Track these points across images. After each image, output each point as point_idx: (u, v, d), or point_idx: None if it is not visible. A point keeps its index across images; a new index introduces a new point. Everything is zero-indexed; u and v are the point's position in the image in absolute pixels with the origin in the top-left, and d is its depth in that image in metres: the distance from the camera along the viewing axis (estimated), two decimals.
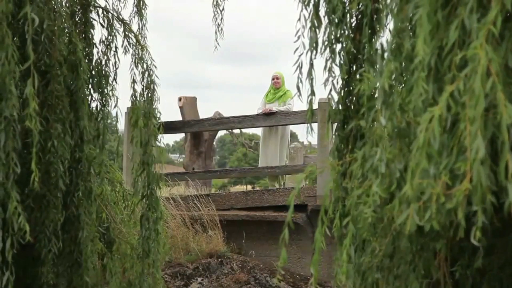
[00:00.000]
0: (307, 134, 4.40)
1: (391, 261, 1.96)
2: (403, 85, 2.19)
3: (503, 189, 1.60)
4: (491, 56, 1.36)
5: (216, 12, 5.16)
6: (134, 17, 4.69)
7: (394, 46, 1.75)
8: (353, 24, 2.32)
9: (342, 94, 2.40)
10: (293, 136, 10.06)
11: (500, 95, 1.35)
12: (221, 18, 5.16)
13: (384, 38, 2.01)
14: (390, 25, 1.88)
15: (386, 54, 1.85)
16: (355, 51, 2.32)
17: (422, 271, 1.94)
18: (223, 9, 5.15)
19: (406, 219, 1.51)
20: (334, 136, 2.47)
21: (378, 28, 2.09)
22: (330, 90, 2.36)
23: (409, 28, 1.72)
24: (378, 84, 1.78)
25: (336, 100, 2.42)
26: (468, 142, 1.38)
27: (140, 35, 4.61)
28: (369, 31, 2.03)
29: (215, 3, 5.14)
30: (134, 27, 4.62)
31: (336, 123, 2.45)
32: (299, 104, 9.02)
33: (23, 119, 3.14)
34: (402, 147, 1.71)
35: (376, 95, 1.87)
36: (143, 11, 4.68)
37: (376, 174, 1.72)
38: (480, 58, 1.36)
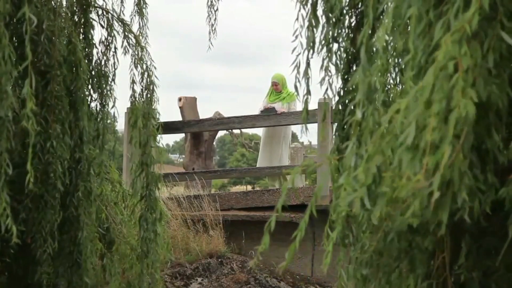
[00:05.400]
0: (301, 134, 4.42)
1: (380, 257, 1.96)
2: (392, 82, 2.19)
3: (492, 187, 1.60)
4: (462, 52, 1.36)
5: (210, 12, 5.20)
6: (134, 15, 4.70)
7: (381, 43, 1.75)
8: (353, 24, 2.32)
9: (342, 94, 2.40)
10: (293, 136, 10.08)
11: (458, 92, 1.34)
12: (215, 18, 5.21)
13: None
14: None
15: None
16: (354, 51, 2.32)
17: (409, 268, 1.93)
18: (217, 9, 5.20)
19: (380, 213, 1.50)
20: (334, 136, 2.47)
21: (377, 27, 2.09)
22: (326, 89, 2.37)
23: (405, 26, 1.72)
24: (358, 78, 1.78)
25: (336, 100, 2.42)
26: (428, 136, 1.36)
27: (140, 35, 4.62)
28: (369, 31, 2.03)
29: (209, 3, 5.19)
30: (135, 26, 4.64)
31: (336, 123, 2.45)
32: (298, 104, 9.02)
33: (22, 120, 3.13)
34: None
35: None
36: (143, 10, 4.69)
37: (350, 168, 1.71)
38: (441, 51, 1.35)
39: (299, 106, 8.18)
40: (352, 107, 1.85)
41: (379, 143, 1.44)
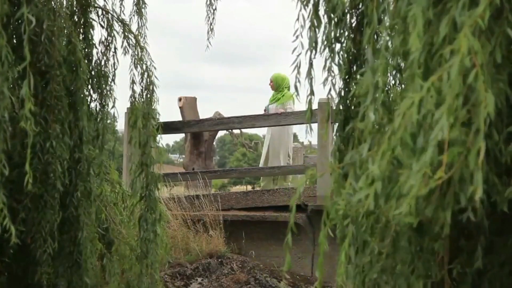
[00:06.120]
0: (306, 134, 4.43)
1: (391, 261, 1.95)
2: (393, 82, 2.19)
3: (494, 186, 1.60)
4: (476, 48, 1.34)
5: (209, 12, 5.21)
6: (133, 15, 4.70)
7: (383, 43, 1.74)
8: (353, 24, 2.31)
9: (343, 94, 2.40)
10: (293, 136, 10.07)
11: (481, 84, 1.33)
12: (213, 18, 5.22)
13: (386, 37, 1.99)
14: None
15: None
16: (355, 51, 2.31)
17: (423, 272, 1.92)
18: (215, 9, 5.21)
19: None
20: (335, 137, 2.46)
21: (378, 28, 2.08)
22: (330, 89, 2.36)
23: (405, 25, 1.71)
24: (367, 80, 1.77)
25: (336, 100, 2.42)
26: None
27: (139, 34, 4.62)
28: (370, 32, 2.02)
29: (208, 2, 5.19)
30: (134, 26, 4.63)
31: (337, 124, 2.45)
32: (297, 104, 9.09)
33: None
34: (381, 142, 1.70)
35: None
36: (142, 10, 4.69)
37: (354, 168, 1.70)
38: (461, 46, 1.33)
39: (296, 106, 8.24)
40: (355, 107, 1.84)
41: (392, 140, 1.43)
